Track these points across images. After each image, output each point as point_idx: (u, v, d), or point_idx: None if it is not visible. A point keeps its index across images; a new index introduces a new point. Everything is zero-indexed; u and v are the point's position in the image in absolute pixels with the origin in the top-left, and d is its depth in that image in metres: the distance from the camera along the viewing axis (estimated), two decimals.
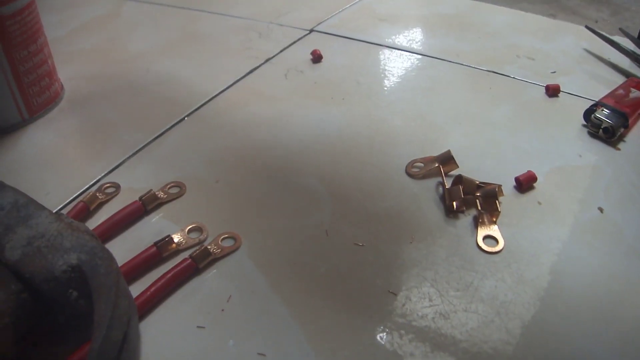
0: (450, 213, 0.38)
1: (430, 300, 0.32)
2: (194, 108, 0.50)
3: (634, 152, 0.45)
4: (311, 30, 0.64)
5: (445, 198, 0.38)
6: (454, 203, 0.38)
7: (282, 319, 0.31)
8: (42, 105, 0.49)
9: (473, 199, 0.38)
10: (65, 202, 0.39)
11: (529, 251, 0.35)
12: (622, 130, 0.46)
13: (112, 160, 0.43)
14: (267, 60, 0.58)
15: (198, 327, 0.30)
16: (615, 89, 0.50)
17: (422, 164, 0.42)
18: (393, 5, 0.72)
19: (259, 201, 0.39)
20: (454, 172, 0.41)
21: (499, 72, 0.56)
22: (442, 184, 0.40)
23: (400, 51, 0.60)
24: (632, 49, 0.58)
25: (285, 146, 0.45)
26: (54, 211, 0.29)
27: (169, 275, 0.32)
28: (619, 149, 0.45)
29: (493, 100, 0.51)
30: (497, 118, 0.49)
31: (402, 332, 0.30)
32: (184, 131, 0.47)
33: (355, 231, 0.36)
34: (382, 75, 0.56)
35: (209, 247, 0.34)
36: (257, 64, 0.57)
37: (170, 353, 0.29)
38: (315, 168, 0.43)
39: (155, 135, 0.46)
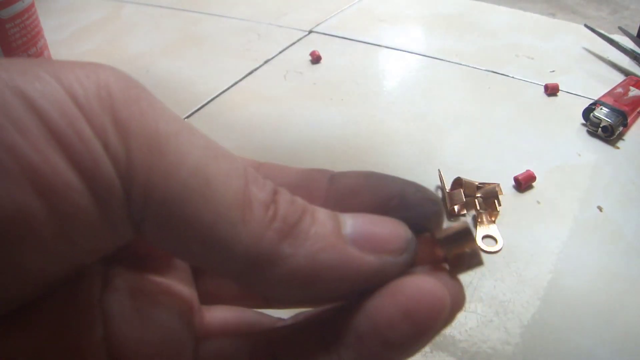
0: (452, 217, 0.38)
1: None
2: (193, 110, 0.50)
3: (633, 150, 0.45)
4: (310, 32, 0.64)
5: (446, 202, 0.38)
6: (455, 207, 0.38)
7: None
8: None
9: (472, 200, 0.38)
10: None
11: (528, 250, 0.35)
12: (621, 129, 0.46)
13: None
14: (266, 62, 0.58)
15: None
16: (614, 88, 0.50)
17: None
18: (392, 6, 0.72)
19: None
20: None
21: (498, 71, 0.56)
22: (442, 187, 0.40)
23: (399, 52, 0.60)
24: (631, 47, 0.58)
25: (284, 147, 0.45)
26: None
27: None
28: (618, 148, 0.45)
29: (492, 100, 0.51)
30: (496, 117, 0.49)
31: None
32: None
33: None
34: (381, 75, 0.56)
35: None
36: (257, 66, 0.57)
37: None
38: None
39: None
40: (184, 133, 0.12)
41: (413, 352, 0.13)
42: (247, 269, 0.12)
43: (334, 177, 0.15)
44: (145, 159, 0.11)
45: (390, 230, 0.13)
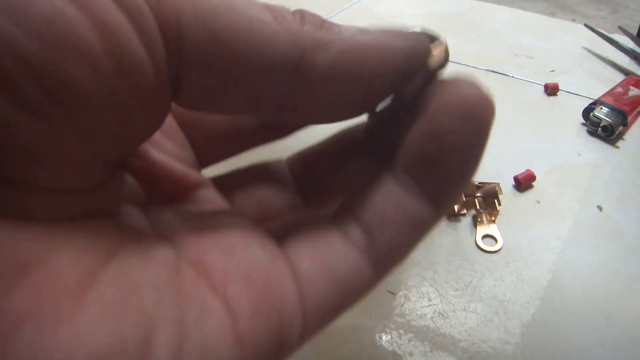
0: (452, 217, 0.38)
1: (429, 299, 0.32)
2: None
3: (633, 150, 0.45)
4: None
5: None
6: (455, 207, 0.38)
7: None
8: None
9: (472, 200, 0.38)
10: None
11: (528, 250, 0.35)
12: (621, 128, 0.46)
13: None
14: None
15: None
16: (614, 87, 0.50)
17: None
18: (392, 5, 0.72)
19: None
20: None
21: (497, 71, 0.56)
22: None
23: None
24: (631, 47, 0.58)
25: (283, 147, 0.45)
26: None
27: None
28: (618, 147, 0.45)
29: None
30: (496, 117, 0.49)
31: (401, 331, 0.30)
32: None
33: None
34: None
35: None
36: None
37: None
38: None
39: None
40: None
41: (472, 154, 0.14)
42: (294, 67, 0.12)
43: None
44: None
45: (399, 29, 0.14)
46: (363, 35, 0.13)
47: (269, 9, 0.13)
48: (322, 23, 0.13)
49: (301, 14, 0.13)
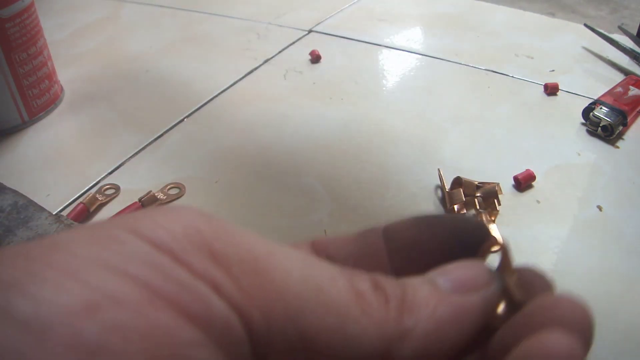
0: None
1: None
2: (193, 109, 0.50)
3: (632, 150, 0.45)
4: (310, 31, 0.64)
5: (446, 202, 0.38)
6: (455, 207, 0.38)
7: None
8: (42, 107, 0.49)
9: (472, 200, 0.38)
10: (65, 204, 0.39)
11: (528, 250, 0.35)
12: (620, 128, 0.46)
13: (112, 162, 0.43)
14: (266, 61, 0.58)
15: None
16: (614, 87, 0.50)
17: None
18: (392, 5, 0.72)
19: (258, 201, 0.39)
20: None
21: (497, 71, 0.56)
22: (442, 187, 0.40)
23: (398, 51, 0.60)
24: (631, 47, 0.58)
25: (284, 146, 0.45)
26: (53, 213, 0.29)
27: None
28: (617, 147, 0.45)
29: (492, 99, 0.51)
30: (496, 117, 0.49)
31: None
32: (184, 132, 0.47)
33: (354, 231, 0.36)
34: (381, 75, 0.56)
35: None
36: (256, 65, 0.57)
37: None
38: (314, 168, 0.43)
39: (155, 136, 0.47)
40: (277, 250, 0.13)
41: None
42: (381, 355, 0.13)
43: (387, 234, 0.17)
44: (254, 282, 0.12)
45: (471, 269, 0.15)
46: (442, 306, 0.13)
47: (357, 294, 0.13)
48: (402, 298, 0.13)
49: (383, 290, 0.13)
